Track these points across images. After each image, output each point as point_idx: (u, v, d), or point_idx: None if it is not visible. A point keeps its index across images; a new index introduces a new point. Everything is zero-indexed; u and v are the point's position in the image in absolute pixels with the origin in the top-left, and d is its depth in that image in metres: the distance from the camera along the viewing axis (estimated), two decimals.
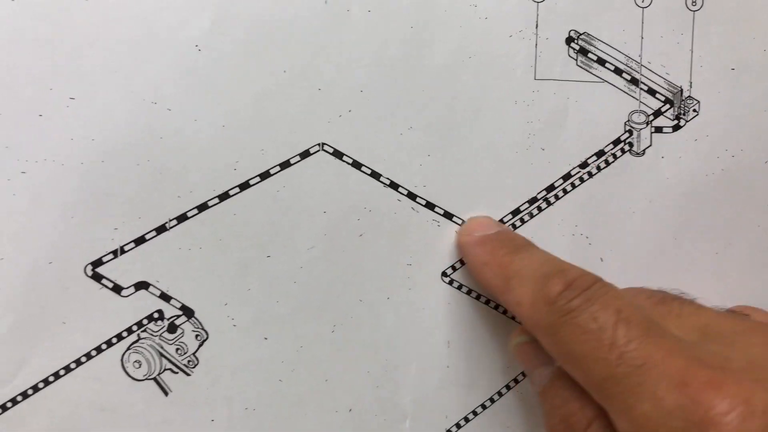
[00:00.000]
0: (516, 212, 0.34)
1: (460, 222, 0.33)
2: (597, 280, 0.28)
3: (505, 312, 0.34)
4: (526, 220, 0.34)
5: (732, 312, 0.31)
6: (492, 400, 0.34)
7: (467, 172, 0.33)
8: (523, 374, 0.34)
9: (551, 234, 0.34)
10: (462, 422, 0.34)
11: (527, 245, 0.32)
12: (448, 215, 0.33)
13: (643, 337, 0.26)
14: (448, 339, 0.34)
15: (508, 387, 0.34)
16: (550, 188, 0.34)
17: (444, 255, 0.34)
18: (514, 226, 0.34)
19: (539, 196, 0.34)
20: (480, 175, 0.34)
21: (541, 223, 0.34)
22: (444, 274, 0.34)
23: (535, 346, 0.30)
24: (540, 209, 0.34)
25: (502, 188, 0.34)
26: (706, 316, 0.28)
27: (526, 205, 0.34)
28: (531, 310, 0.29)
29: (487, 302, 0.34)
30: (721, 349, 0.26)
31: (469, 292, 0.34)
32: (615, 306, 0.27)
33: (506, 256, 0.31)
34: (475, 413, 0.34)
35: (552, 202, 0.34)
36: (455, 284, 0.34)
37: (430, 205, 0.33)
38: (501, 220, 0.34)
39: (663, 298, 0.29)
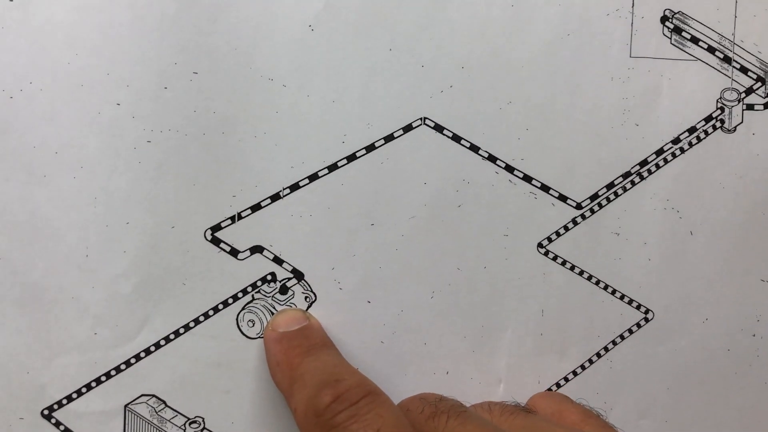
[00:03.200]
0: (610, 186, 0.34)
1: (556, 195, 0.33)
2: (367, 394, 0.26)
3: (597, 283, 0.34)
4: (619, 193, 0.34)
5: (514, 411, 0.29)
6: (583, 367, 0.34)
7: (564, 146, 0.33)
8: (614, 342, 0.34)
9: (643, 207, 0.34)
10: (554, 387, 0.34)
11: (322, 346, 0.30)
12: (544, 188, 0.33)
13: None
14: (542, 308, 0.34)
15: (598, 355, 0.34)
16: (644, 163, 0.34)
17: (540, 226, 0.33)
18: (608, 200, 0.34)
19: (633, 171, 0.34)
20: (576, 149, 0.33)
21: (633, 197, 0.34)
22: (540, 245, 0.33)
23: None
24: (633, 183, 0.34)
25: (597, 162, 0.33)
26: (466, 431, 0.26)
27: (620, 179, 0.34)
28: (302, 420, 0.27)
29: (581, 273, 0.34)
30: None
31: (563, 263, 0.34)
32: (375, 426, 0.25)
33: (296, 357, 0.29)
34: (566, 379, 0.34)
35: (645, 176, 0.34)
36: (551, 255, 0.33)
37: (527, 178, 0.33)
38: (595, 194, 0.34)
39: (434, 412, 0.28)
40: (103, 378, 0.31)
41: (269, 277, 0.32)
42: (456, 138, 0.32)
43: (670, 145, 0.34)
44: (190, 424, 0.31)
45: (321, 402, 0.26)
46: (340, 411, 0.26)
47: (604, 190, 0.34)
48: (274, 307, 0.32)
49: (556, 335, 0.34)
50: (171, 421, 0.31)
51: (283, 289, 0.32)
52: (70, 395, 0.31)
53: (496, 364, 0.33)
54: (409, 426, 0.26)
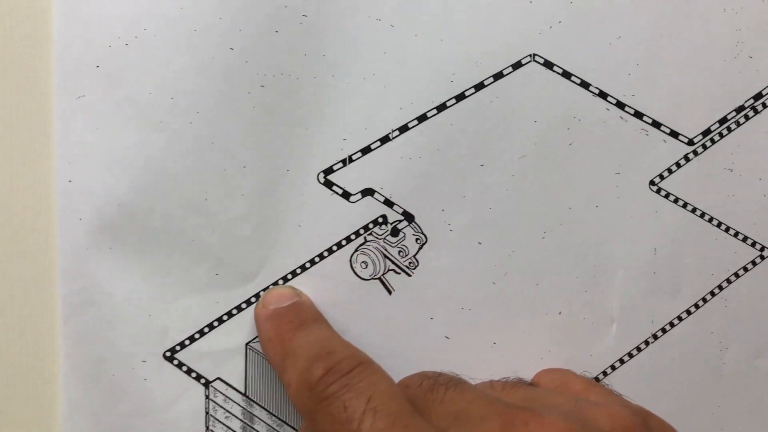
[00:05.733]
0: (723, 121, 0.32)
1: (668, 131, 0.32)
2: (359, 364, 0.26)
3: (710, 221, 0.33)
4: (733, 128, 0.33)
5: (516, 384, 0.29)
6: (697, 306, 0.33)
7: (675, 81, 0.32)
8: (728, 280, 0.33)
9: (757, 142, 0.33)
10: (667, 327, 0.33)
11: (313, 321, 0.30)
12: (656, 124, 0.32)
13: (387, 428, 0.24)
14: (655, 246, 0.33)
15: (712, 293, 0.33)
16: (758, 96, 0.32)
17: (652, 164, 0.32)
18: (721, 135, 0.33)
19: (746, 105, 0.33)
20: (687, 84, 0.32)
21: (747, 132, 0.32)
22: (652, 182, 0.33)
23: None
24: (747, 118, 0.33)
25: (709, 96, 0.32)
26: (464, 401, 0.26)
27: (733, 113, 0.32)
28: (295, 393, 0.27)
29: (694, 210, 0.33)
30: None
31: (676, 201, 0.33)
32: (368, 394, 0.25)
33: (288, 333, 0.29)
34: (680, 318, 0.33)
35: (759, 110, 0.33)
36: (663, 192, 0.33)
37: (638, 114, 0.32)
38: (708, 130, 0.33)
39: (432, 385, 0.27)
40: (225, 317, 0.31)
41: (381, 220, 0.32)
42: (566, 74, 0.32)
43: None
44: None
45: (313, 375, 0.26)
46: (333, 382, 0.26)
47: (717, 125, 0.33)
48: (386, 249, 0.32)
49: (669, 274, 0.33)
50: None
51: (395, 232, 0.32)
52: (192, 336, 0.31)
53: (608, 304, 0.33)
54: (402, 394, 0.26)
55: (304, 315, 0.30)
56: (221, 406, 0.31)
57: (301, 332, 0.29)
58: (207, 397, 0.31)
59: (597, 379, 0.33)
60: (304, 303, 0.31)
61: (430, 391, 0.27)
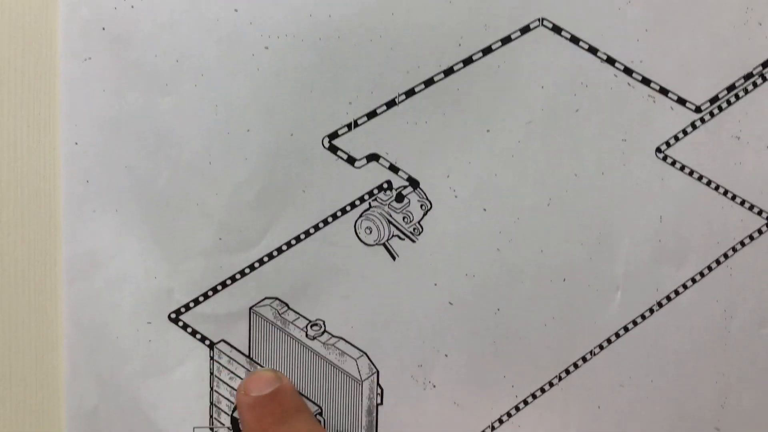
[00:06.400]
0: (731, 88, 0.32)
1: (675, 98, 0.32)
2: None
3: (717, 188, 0.33)
4: (740, 95, 0.32)
5: None
6: (702, 275, 0.33)
7: (684, 48, 0.32)
8: (734, 249, 0.33)
9: (765, 110, 0.32)
10: (672, 295, 0.33)
11: (294, 413, 0.29)
12: (663, 91, 0.32)
13: None
14: (661, 214, 0.33)
15: (718, 262, 0.33)
16: (766, 63, 0.32)
17: (659, 131, 0.32)
18: (729, 102, 0.32)
19: (755, 72, 0.32)
20: (696, 51, 0.32)
21: (755, 99, 0.32)
22: (658, 149, 0.32)
23: None
24: (755, 85, 0.32)
25: (717, 63, 0.32)
26: None
27: (742, 80, 0.32)
28: None
29: (700, 178, 0.33)
30: None
31: (682, 168, 0.32)
32: None
33: (271, 426, 0.29)
34: (685, 287, 0.33)
35: None
36: (669, 160, 0.32)
37: (646, 81, 0.32)
38: (716, 97, 0.32)
39: None
40: (229, 282, 0.31)
41: (385, 185, 0.32)
42: (574, 39, 0.31)
43: None
44: (311, 326, 0.31)
45: None
46: None
47: (725, 92, 0.32)
48: (390, 215, 0.32)
49: (674, 242, 0.33)
50: (293, 323, 0.31)
51: (399, 197, 0.32)
52: (197, 299, 0.31)
53: (613, 272, 0.33)
54: None
55: (286, 405, 0.30)
56: (225, 367, 0.31)
57: (284, 426, 0.29)
58: (212, 358, 0.31)
59: (601, 346, 0.33)
60: (286, 390, 0.30)
61: None
